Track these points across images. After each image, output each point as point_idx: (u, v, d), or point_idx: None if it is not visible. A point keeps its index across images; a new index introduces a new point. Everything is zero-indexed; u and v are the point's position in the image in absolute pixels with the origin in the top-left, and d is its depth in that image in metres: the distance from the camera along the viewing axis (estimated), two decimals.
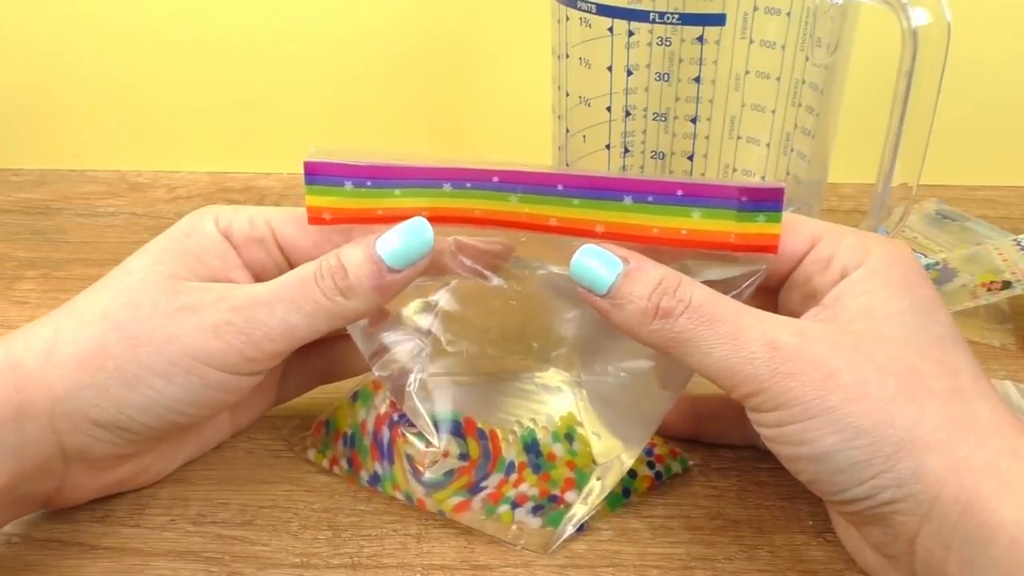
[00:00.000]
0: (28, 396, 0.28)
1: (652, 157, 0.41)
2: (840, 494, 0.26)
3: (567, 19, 0.39)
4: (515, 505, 0.31)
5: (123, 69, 0.58)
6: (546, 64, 0.43)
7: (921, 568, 0.26)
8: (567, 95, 0.41)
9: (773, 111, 0.39)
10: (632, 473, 0.32)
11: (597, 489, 0.31)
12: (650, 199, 0.28)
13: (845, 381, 0.26)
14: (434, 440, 0.31)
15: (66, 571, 0.30)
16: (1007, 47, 0.55)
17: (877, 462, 0.25)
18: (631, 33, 0.37)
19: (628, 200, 0.28)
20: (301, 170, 0.29)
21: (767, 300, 0.31)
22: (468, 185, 0.29)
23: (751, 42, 0.37)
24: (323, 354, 0.35)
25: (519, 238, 0.31)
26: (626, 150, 0.41)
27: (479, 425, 0.32)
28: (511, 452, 0.32)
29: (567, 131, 0.42)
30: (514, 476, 0.32)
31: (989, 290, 0.42)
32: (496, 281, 0.32)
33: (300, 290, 0.29)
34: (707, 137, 0.40)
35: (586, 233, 0.29)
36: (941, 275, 0.43)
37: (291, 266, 0.31)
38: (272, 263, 0.32)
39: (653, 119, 0.40)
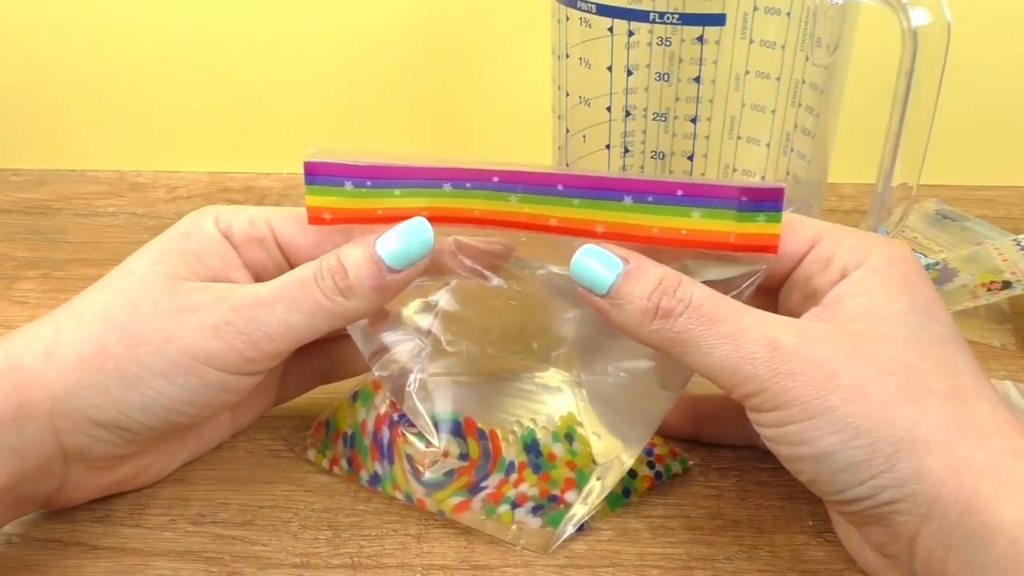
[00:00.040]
0: (28, 396, 0.28)
1: (652, 157, 0.41)
2: (840, 494, 0.26)
3: (567, 19, 0.39)
4: (515, 505, 0.31)
5: (123, 69, 0.58)
6: (546, 64, 0.43)
7: (921, 568, 0.26)
8: (567, 95, 0.41)
9: (773, 111, 0.39)
10: (632, 473, 0.32)
11: (597, 489, 0.31)
12: (650, 199, 0.28)
13: (845, 381, 0.26)
14: (434, 440, 0.31)
15: (66, 571, 0.30)
16: (1007, 47, 0.55)
17: (877, 462, 0.25)
18: (631, 33, 0.37)
19: (628, 200, 0.28)
20: (301, 170, 0.29)
21: (767, 300, 0.31)
22: (468, 185, 0.29)
23: (751, 42, 0.37)
24: (323, 354, 0.35)
25: (519, 238, 0.31)
26: (626, 150, 0.41)
27: (479, 425, 0.32)
28: (511, 452, 0.32)
29: (567, 131, 0.42)
30: (514, 476, 0.32)
31: (989, 290, 0.42)
32: (496, 281, 0.32)
33: (300, 290, 0.29)
34: (707, 137, 0.40)
35: (586, 233, 0.29)
36: (941, 275, 0.43)
37: (291, 266, 0.31)
38: (272, 263, 0.32)
39: (653, 119, 0.40)
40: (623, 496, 0.33)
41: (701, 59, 0.38)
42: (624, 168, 0.41)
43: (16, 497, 0.29)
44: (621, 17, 0.37)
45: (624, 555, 0.31)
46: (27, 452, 0.28)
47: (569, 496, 0.31)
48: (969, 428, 0.25)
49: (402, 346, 0.32)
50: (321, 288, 0.29)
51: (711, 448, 0.35)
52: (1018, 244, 0.43)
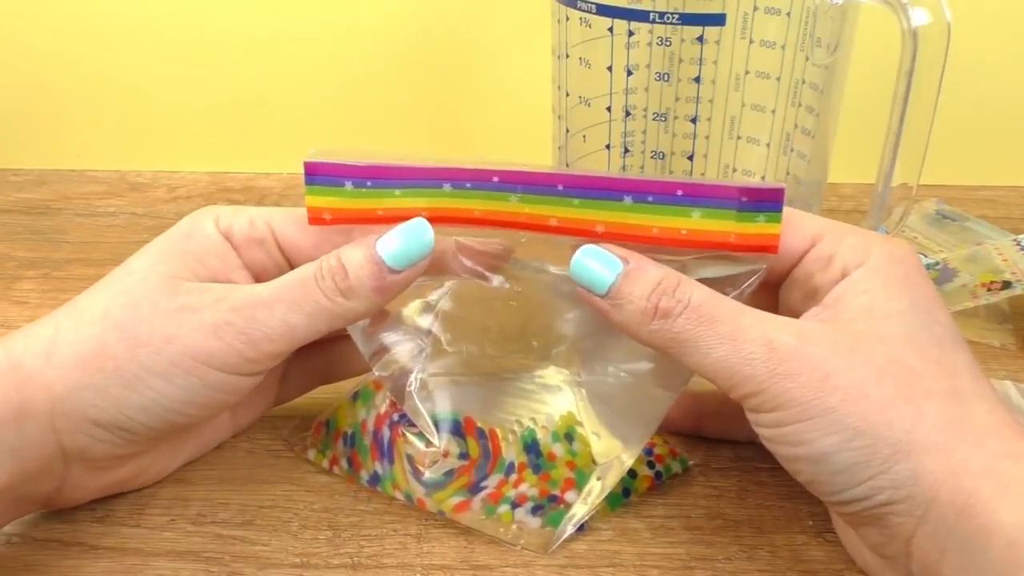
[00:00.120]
0: (28, 396, 0.28)
1: (652, 157, 0.41)
2: (837, 495, 0.26)
3: (567, 19, 0.39)
4: (515, 505, 0.31)
5: (123, 69, 0.58)
6: (546, 64, 0.43)
7: (917, 569, 0.26)
8: (567, 95, 0.41)
9: (773, 111, 0.39)
10: (632, 473, 0.32)
11: (597, 489, 0.31)
12: (650, 199, 0.28)
13: (843, 382, 0.26)
14: (434, 440, 0.31)
15: (66, 571, 0.30)
16: (1007, 47, 0.55)
17: (875, 463, 0.25)
18: (631, 33, 0.37)
19: (628, 200, 0.28)
20: (301, 170, 0.29)
21: (767, 297, 0.31)
22: (468, 185, 0.29)
23: (751, 42, 0.37)
24: (323, 355, 0.35)
25: (519, 238, 0.31)
26: (626, 150, 0.41)
27: (479, 425, 0.32)
28: (511, 452, 0.32)
29: (567, 131, 0.42)
30: (514, 476, 0.32)
31: (989, 290, 0.42)
32: (496, 282, 0.32)
33: (300, 290, 0.29)
34: (707, 137, 0.40)
35: (586, 233, 0.29)
36: (941, 275, 0.43)
37: (291, 267, 0.31)
38: (272, 264, 0.32)
39: (653, 119, 0.40)
40: (623, 496, 0.33)
41: (701, 59, 0.38)
42: (624, 168, 0.41)
43: (16, 497, 0.29)
44: (621, 17, 0.37)
45: (624, 555, 0.31)
46: (27, 452, 0.28)
47: (569, 496, 0.31)
48: (967, 429, 0.25)
49: (402, 346, 0.32)
50: (321, 288, 0.29)
51: (711, 448, 0.35)
52: (1018, 244, 0.43)
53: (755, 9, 0.37)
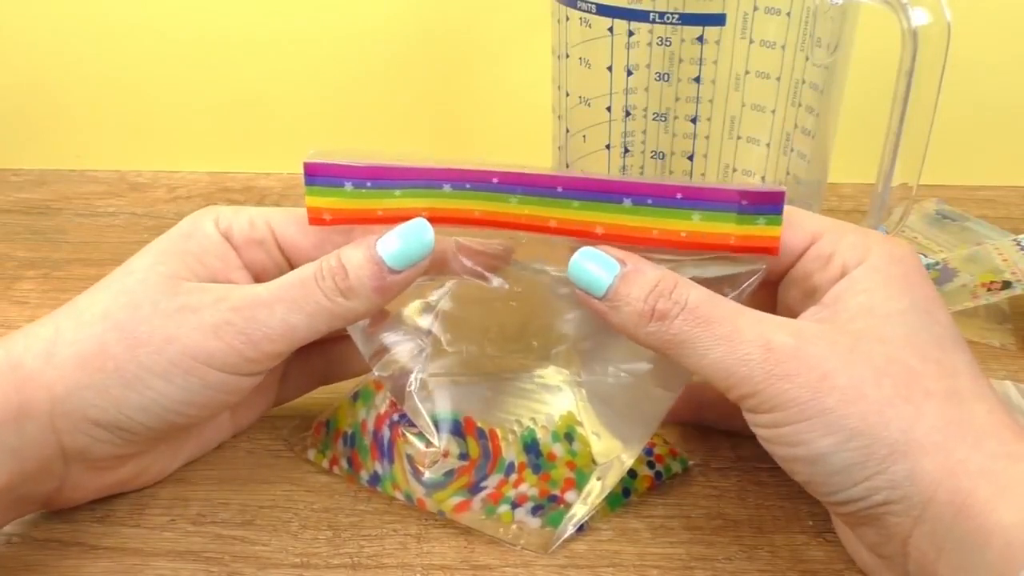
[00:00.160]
0: (28, 397, 0.28)
1: (652, 157, 0.41)
2: (834, 495, 0.26)
3: (567, 19, 0.39)
4: (515, 505, 0.31)
5: (123, 69, 0.58)
6: (546, 64, 0.43)
7: (914, 569, 0.26)
8: (567, 95, 0.41)
9: (773, 111, 0.39)
10: (632, 473, 0.32)
11: (597, 489, 0.31)
12: (649, 202, 0.28)
13: (841, 383, 0.25)
14: (434, 440, 0.31)
15: (66, 571, 0.30)
16: (1007, 47, 0.55)
17: (872, 464, 0.25)
18: (631, 33, 0.37)
19: (627, 203, 0.29)
20: (301, 170, 0.29)
21: (767, 295, 0.31)
22: (468, 186, 0.29)
23: (751, 42, 0.37)
24: (323, 355, 0.35)
25: (519, 239, 0.31)
26: (626, 150, 0.41)
27: (479, 424, 0.32)
28: (511, 452, 0.32)
29: (567, 131, 0.42)
30: (514, 476, 0.32)
31: (989, 290, 0.42)
32: (496, 282, 0.32)
33: (300, 290, 0.29)
34: (707, 137, 0.40)
35: (586, 235, 0.29)
36: (941, 275, 0.43)
37: (291, 267, 0.31)
38: (272, 264, 0.32)
39: (653, 119, 0.40)
40: (623, 496, 0.33)
41: (701, 59, 0.38)
42: (624, 168, 0.41)
43: (16, 497, 0.29)
44: (621, 17, 0.37)
45: (624, 555, 0.31)
46: (27, 452, 0.28)
47: (569, 496, 0.31)
48: (966, 430, 0.25)
49: (402, 346, 0.32)
50: (322, 288, 0.29)
51: (711, 448, 0.35)
52: (1018, 244, 0.43)
53: (755, 9, 0.37)
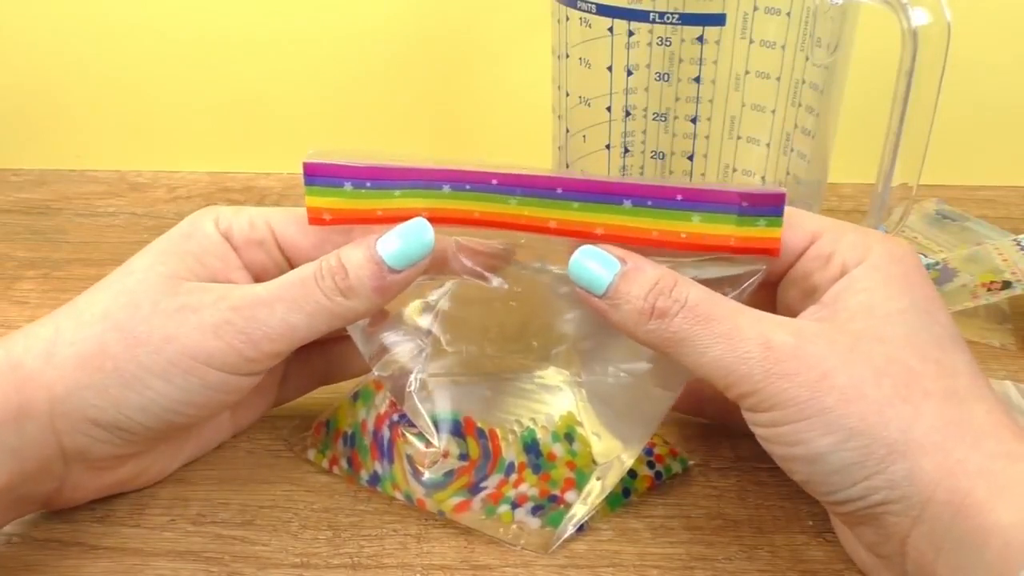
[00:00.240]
0: (28, 397, 0.28)
1: (652, 157, 0.41)
2: (833, 494, 0.26)
3: (567, 19, 0.39)
4: (515, 505, 0.31)
5: (123, 69, 0.58)
6: (546, 64, 0.43)
7: (913, 569, 0.26)
8: (567, 95, 0.41)
9: (773, 111, 0.39)
10: (632, 473, 0.32)
11: (597, 489, 0.31)
12: (649, 203, 0.28)
13: (840, 382, 0.25)
14: (434, 440, 0.31)
15: (66, 571, 0.30)
16: (1007, 47, 0.55)
17: (870, 464, 0.25)
18: (631, 33, 0.37)
19: (627, 204, 0.28)
20: (301, 170, 0.29)
21: (766, 295, 0.31)
22: (468, 187, 0.29)
23: (751, 42, 0.37)
24: (323, 355, 0.35)
25: (519, 239, 0.31)
26: (626, 150, 0.41)
27: (479, 425, 0.32)
28: (511, 452, 0.32)
29: (567, 131, 0.42)
30: (514, 476, 0.32)
31: (989, 290, 0.42)
32: (496, 282, 0.32)
33: (300, 290, 0.29)
34: (707, 137, 0.40)
35: (585, 236, 0.29)
36: (941, 275, 0.43)
37: (291, 267, 0.31)
38: (272, 264, 0.32)
39: (653, 119, 0.40)
40: (623, 496, 0.33)
41: (701, 59, 0.38)
42: (624, 168, 0.41)
43: (16, 497, 0.29)
44: (621, 17, 0.37)
45: (624, 555, 0.31)
46: (27, 452, 0.28)
47: (569, 496, 0.31)
48: (965, 430, 0.25)
49: (402, 346, 0.32)
50: (321, 288, 0.29)
51: (711, 448, 0.35)
52: (1018, 244, 0.43)
53: (755, 9, 0.37)
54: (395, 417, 0.32)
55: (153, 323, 0.29)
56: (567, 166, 0.43)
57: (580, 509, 0.31)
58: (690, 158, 0.40)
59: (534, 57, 0.46)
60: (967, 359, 0.27)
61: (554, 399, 0.33)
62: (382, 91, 0.58)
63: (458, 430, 0.32)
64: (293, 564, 0.30)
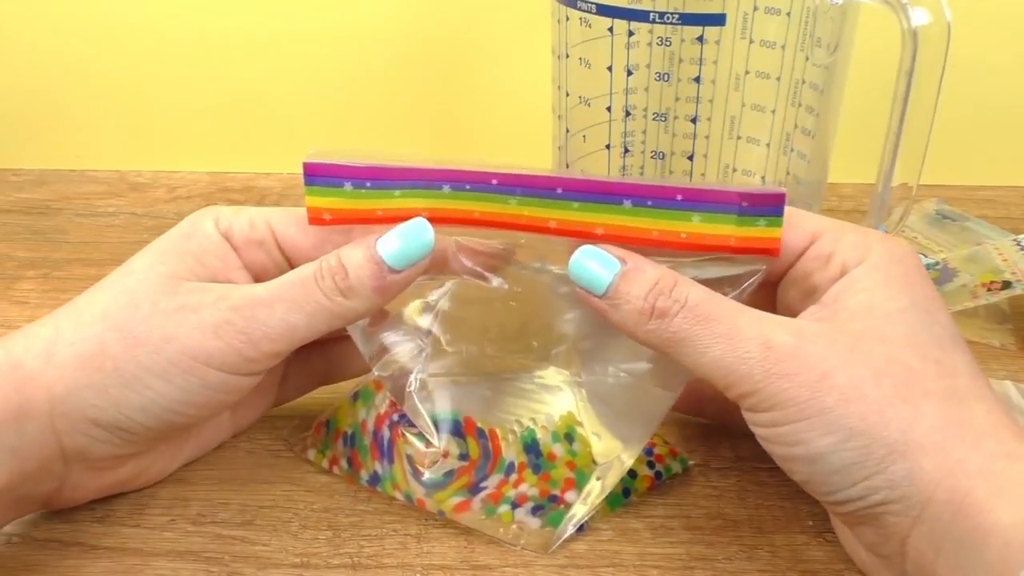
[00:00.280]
0: (28, 397, 0.28)
1: (652, 157, 0.41)
2: (833, 494, 0.26)
3: (567, 19, 0.39)
4: (515, 505, 0.31)
5: (123, 69, 0.58)
6: (546, 64, 0.43)
7: (912, 569, 0.26)
8: (567, 95, 0.41)
9: (773, 111, 0.39)
10: (632, 473, 0.32)
11: (597, 489, 0.31)
12: (649, 203, 0.28)
13: (840, 382, 0.25)
14: (434, 440, 0.31)
15: (66, 571, 0.30)
16: (1007, 47, 0.55)
17: (870, 464, 0.25)
18: (631, 33, 0.37)
19: (627, 204, 0.28)
20: (301, 170, 0.29)
21: (766, 295, 0.31)
22: (468, 187, 0.29)
23: (751, 42, 0.37)
24: (323, 355, 0.35)
25: (519, 239, 0.31)
26: (626, 150, 0.41)
27: (479, 424, 0.32)
28: (511, 452, 0.32)
29: (567, 131, 0.42)
30: (514, 476, 0.32)
31: (989, 290, 0.42)
32: (496, 282, 0.32)
33: (300, 290, 0.29)
34: (707, 137, 0.40)
35: (585, 236, 0.29)
36: (941, 275, 0.43)
37: (291, 267, 0.31)
38: (272, 264, 0.32)
39: (653, 119, 0.40)
40: (623, 496, 0.33)
41: (701, 59, 0.38)
42: (624, 168, 0.41)
43: (16, 497, 0.29)
44: (621, 17, 0.37)
45: (624, 555, 0.31)
46: (27, 452, 0.28)
47: (569, 496, 0.31)
48: (964, 430, 0.25)
49: (402, 346, 0.32)
50: (321, 288, 0.29)
51: (711, 448, 0.35)
52: (1018, 244, 0.43)
53: (755, 9, 0.37)
54: (395, 417, 0.32)
55: (153, 323, 0.29)
56: (567, 166, 0.43)
57: (580, 509, 0.31)
58: (690, 158, 0.40)
59: (534, 57, 0.46)
60: (967, 359, 0.27)
61: (554, 399, 0.33)
62: (382, 91, 0.58)
63: (458, 430, 0.32)
64: (293, 564, 0.30)
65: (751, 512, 0.32)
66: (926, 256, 0.44)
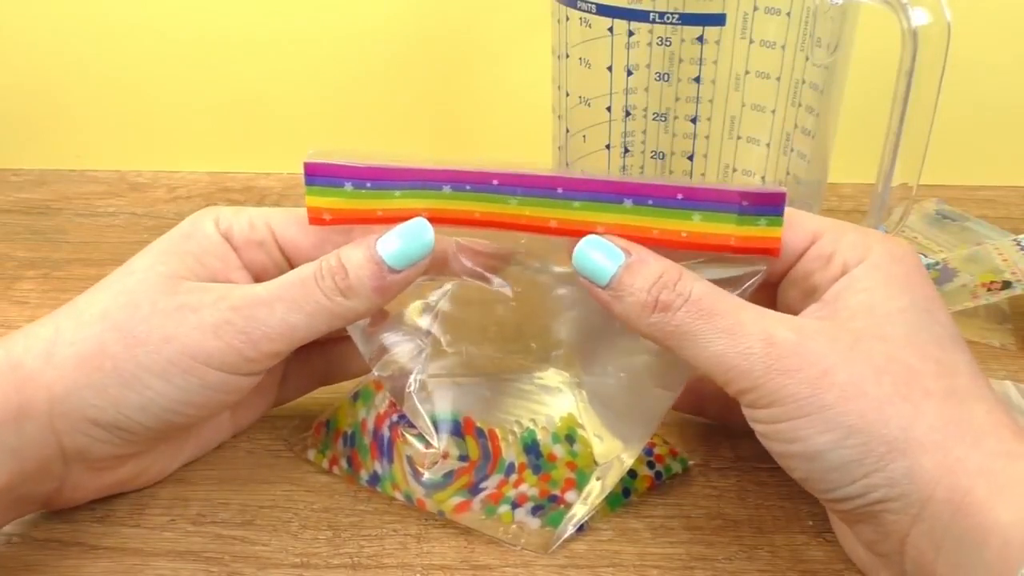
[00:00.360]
0: (28, 397, 0.28)
1: (652, 157, 0.41)
2: (831, 492, 0.26)
3: (567, 19, 0.39)
4: (515, 505, 0.31)
5: (123, 69, 0.58)
6: (546, 64, 0.43)
7: (911, 567, 0.26)
8: (567, 95, 0.41)
9: (773, 111, 0.39)
10: (632, 473, 0.32)
11: (597, 489, 0.31)
12: (650, 202, 0.28)
13: (840, 379, 0.26)
14: (434, 441, 0.31)
15: (66, 571, 0.30)
16: (1007, 47, 0.55)
17: (869, 461, 0.25)
18: (631, 33, 0.37)
19: (628, 203, 0.29)
20: (301, 170, 0.29)
21: (766, 295, 0.31)
22: (468, 187, 0.29)
23: (751, 42, 0.37)
24: (323, 355, 0.35)
25: (519, 239, 0.31)
26: (626, 150, 0.41)
27: (478, 425, 0.32)
28: (511, 453, 0.32)
29: (567, 131, 0.42)
30: (514, 477, 0.32)
31: (989, 290, 0.42)
32: (497, 283, 0.32)
33: (300, 290, 0.29)
34: (707, 137, 0.40)
35: (586, 234, 0.29)
36: (941, 275, 0.43)
37: (292, 267, 0.31)
38: (272, 264, 0.32)
39: (653, 119, 0.40)
40: (623, 496, 0.33)
41: (701, 59, 0.38)
42: (624, 168, 0.41)
43: (16, 497, 0.29)
44: (621, 17, 0.37)
45: (624, 555, 0.31)
46: (27, 452, 0.28)
47: (569, 496, 0.31)
48: (964, 429, 0.25)
49: (402, 347, 0.32)
50: (321, 288, 0.29)
51: (711, 448, 0.35)
52: (1018, 244, 0.43)
53: (755, 9, 0.37)
54: (395, 417, 0.32)
55: (152, 323, 0.29)
56: (567, 166, 0.43)
57: (580, 509, 0.31)
58: (690, 158, 0.40)
59: (534, 57, 0.46)
60: (967, 359, 0.27)
61: (554, 400, 0.33)
62: (382, 91, 0.58)
63: (458, 431, 0.32)
64: (293, 564, 0.30)
65: (751, 512, 0.32)
66: (926, 256, 0.44)
